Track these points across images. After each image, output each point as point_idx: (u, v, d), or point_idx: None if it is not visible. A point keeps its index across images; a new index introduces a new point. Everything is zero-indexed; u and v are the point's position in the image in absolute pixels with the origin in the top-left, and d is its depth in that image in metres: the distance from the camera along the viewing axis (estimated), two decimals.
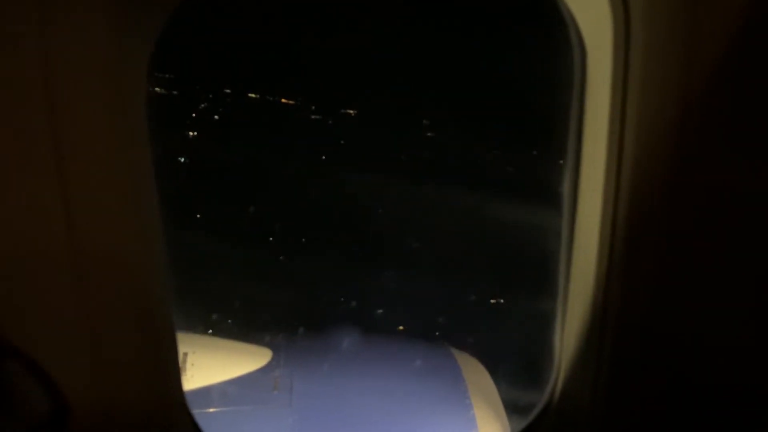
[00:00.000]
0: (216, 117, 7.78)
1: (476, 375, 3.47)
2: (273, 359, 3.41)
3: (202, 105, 7.84)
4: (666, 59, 1.30)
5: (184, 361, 2.96)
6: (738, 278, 1.40)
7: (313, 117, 7.45)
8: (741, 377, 1.45)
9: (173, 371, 1.59)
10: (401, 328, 5.34)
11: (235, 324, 4.60)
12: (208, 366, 3.03)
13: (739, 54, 1.28)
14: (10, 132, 1.26)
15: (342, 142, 7.13)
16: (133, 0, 1.32)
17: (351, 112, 6.89)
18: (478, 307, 5.44)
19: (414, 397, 3.15)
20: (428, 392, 3.28)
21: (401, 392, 3.19)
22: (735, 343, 1.44)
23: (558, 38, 1.58)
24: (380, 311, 5.25)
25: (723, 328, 1.43)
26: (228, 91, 7.89)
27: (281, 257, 5.97)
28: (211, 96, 7.89)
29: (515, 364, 4.40)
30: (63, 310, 1.37)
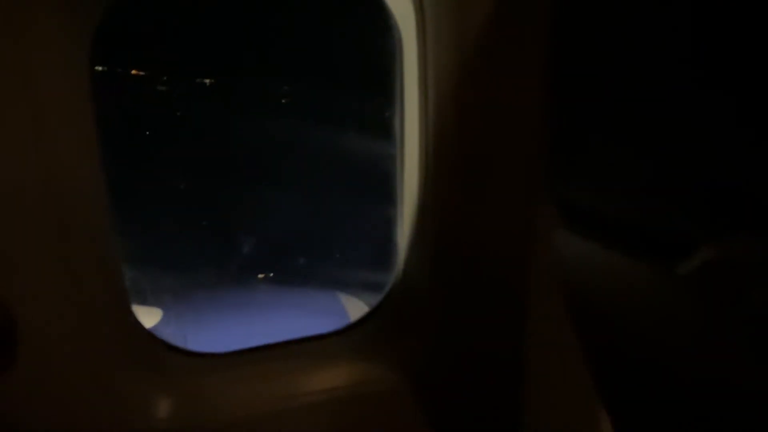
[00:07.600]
0: None
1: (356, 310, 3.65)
2: (163, 318, 3.33)
3: None
4: (450, 46, 1.60)
5: None
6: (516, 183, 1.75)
7: (160, 88, 7.19)
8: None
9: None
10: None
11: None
12: None
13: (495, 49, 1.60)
14: None
15: (178, 113, 7.01)
16: None
17: (207, 81, 6.88)
18: (341, 217, 6.07)
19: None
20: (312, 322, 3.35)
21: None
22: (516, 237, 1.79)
23: (384, 24, 1.93)
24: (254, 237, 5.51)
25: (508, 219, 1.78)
26: None
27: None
28: None
29: (374, 257, 4.95)
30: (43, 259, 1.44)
